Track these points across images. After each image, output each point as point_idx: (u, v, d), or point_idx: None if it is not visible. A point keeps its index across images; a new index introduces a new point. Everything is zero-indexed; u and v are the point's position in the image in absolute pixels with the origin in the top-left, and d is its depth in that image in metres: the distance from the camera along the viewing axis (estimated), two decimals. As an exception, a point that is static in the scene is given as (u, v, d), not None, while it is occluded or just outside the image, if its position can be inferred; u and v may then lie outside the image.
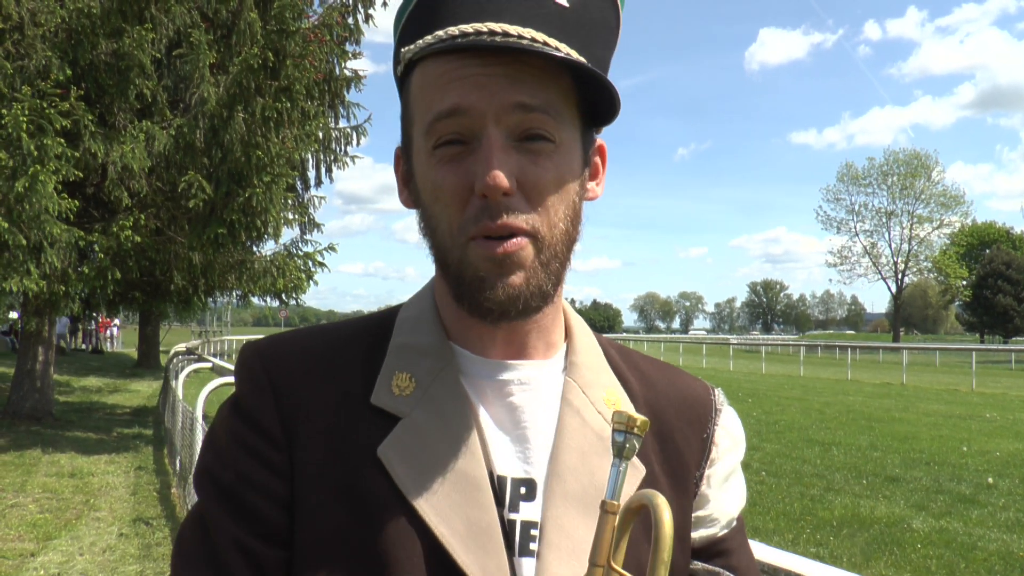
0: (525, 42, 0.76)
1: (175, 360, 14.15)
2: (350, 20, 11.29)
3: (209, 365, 12.71)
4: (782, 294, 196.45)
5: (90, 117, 9.25)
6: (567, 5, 0.80)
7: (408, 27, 0.84)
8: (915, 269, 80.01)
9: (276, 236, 11.18)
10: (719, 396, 0.98)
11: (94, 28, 9.15)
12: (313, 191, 13.21)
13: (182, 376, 9.91)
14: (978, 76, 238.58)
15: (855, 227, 77.84)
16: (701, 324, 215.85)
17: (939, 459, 10.60)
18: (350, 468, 0.80)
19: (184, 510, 7.19)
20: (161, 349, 28.11)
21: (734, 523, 0.94)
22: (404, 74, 0.85)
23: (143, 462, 9.75)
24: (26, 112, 8.47)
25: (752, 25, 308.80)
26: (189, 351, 18.45)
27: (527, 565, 0.80)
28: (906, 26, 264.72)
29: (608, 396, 0.89)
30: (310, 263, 11.76)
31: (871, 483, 9.05)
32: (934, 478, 9.36)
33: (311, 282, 11.64)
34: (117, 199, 9.78)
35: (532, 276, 0.79)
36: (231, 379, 6.62)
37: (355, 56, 12.08)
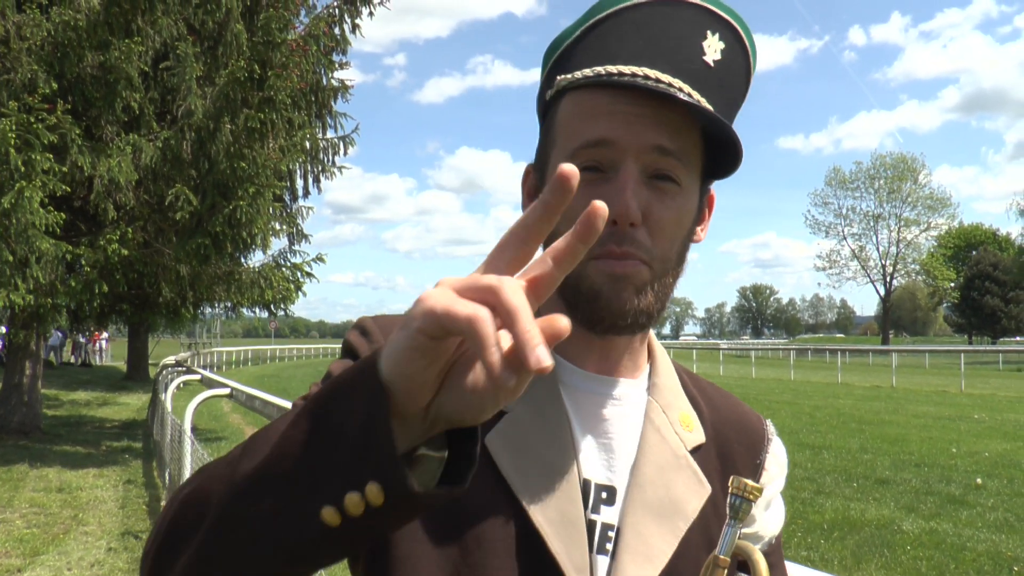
0: (674, 91, 0.84)
1: (164, 373, 14.09)
2: (336, 30, 11.30)
3: (198, 377, 12.64)
4: (772, 299, 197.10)
5: (77, 130, 9.23)
6: (712, 66, 0.89)
7: (564, 58, 0.93)
8: (903, 272, 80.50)
9: (264, 247, 11.16)
10: (770, 427, 1.07)
11: (80, 41, 9.13)
12: (301, 201, 13.21)
13: (171, 389, 9.87)
14: (962, 80, 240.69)
15: (843, 231, 78.30)
16: (691, 330, 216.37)
17: (929, 461, 10.65)
18: None
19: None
20: (150, 362, 27.96)
21: (774, 541, 1.03)
22: (552, 99, 0.94)
23: (132, 475, 9.70)
24: (13, 127, 8.45)
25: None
26: (178, 363, 18.36)
27: (602, 563, 0.88)
28: (890, 31, 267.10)
29: (683, 417, 0.98)
30: (298, 274, 11.74)
31: (861, 485, 9.09)
32: (924, 480, 9.40)
33: (299, 293, 11.62)
34: (104, 212, 9.75)
35: (643, 297, 0.89)
36: (221, 391, 6.61)
37: (342, 66, 12.10)
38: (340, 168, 12.84)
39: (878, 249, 78.01)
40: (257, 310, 12.29)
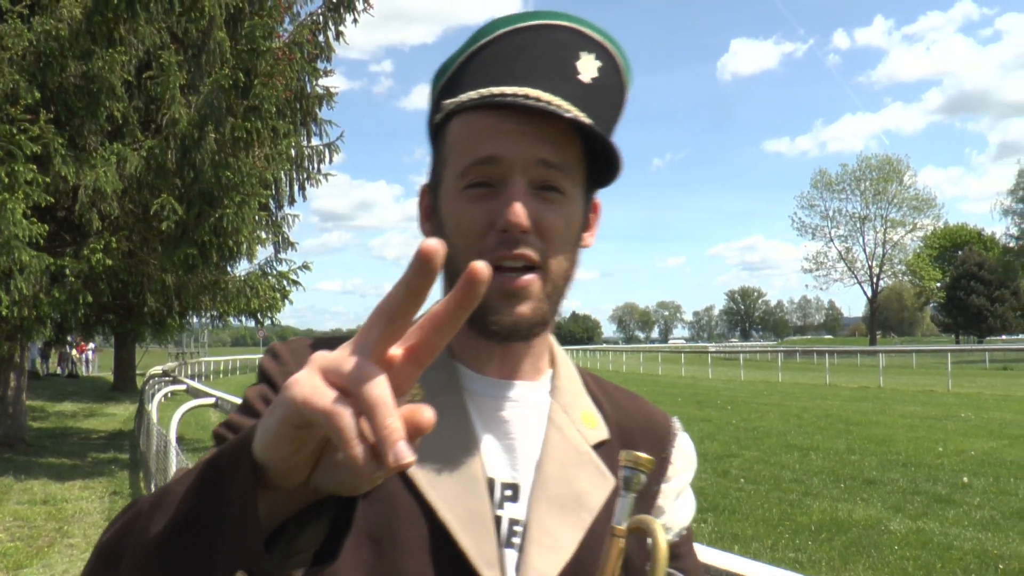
0: (553, 107, 0.91)
1: (150, 383, 14.01)
2: (321, 38, 11.29)
3: (184, 387, 12.58)
4: (760, 301, 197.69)
5: (60, 140, 9.18)
6: (589, 83, 0.96)
7: (450, 83, 0.99)
8: (890, 272, 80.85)
9: (249, 256, 11.12)
10: (676, 423, 1.12)
11: (63, 50, 9.08)
12: (287, 209, 13.14)
13: (156, 399, 9.82)
14: (945, 82, 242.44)
15: (830, 233, 78.60)
16: (680, 333, 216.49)
17: (915, 460, 10.70)
18: None
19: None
20: (138, 372, 27.80)
21: (684, 532, 1.07)
22: (441, 123, 0.99)
23: (118, 487, 9.64)
24: (-5, 138, 8.40)
25: (724, 36, 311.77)
26: (165, 373, 18.26)
27: (511, 556, 0.92)
28: (873, 35, 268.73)
29: (585, 416, 1.03)
30: (284, 282, 11.71)
31: (849, 486, 9.12)
32: (911, 479, 9.45)
33: (286, 301, 11.58)
34: (88, 222, 9.70)
35: (537, 307, 0.94)
36: (206, 400, 6.59)
37: (327, 73, 12.07)
38: (326, 175, 12.80)
39: (864, 250, 78.42)
40: (244, 319, 12.25)
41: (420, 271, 0.53)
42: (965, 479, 9.37)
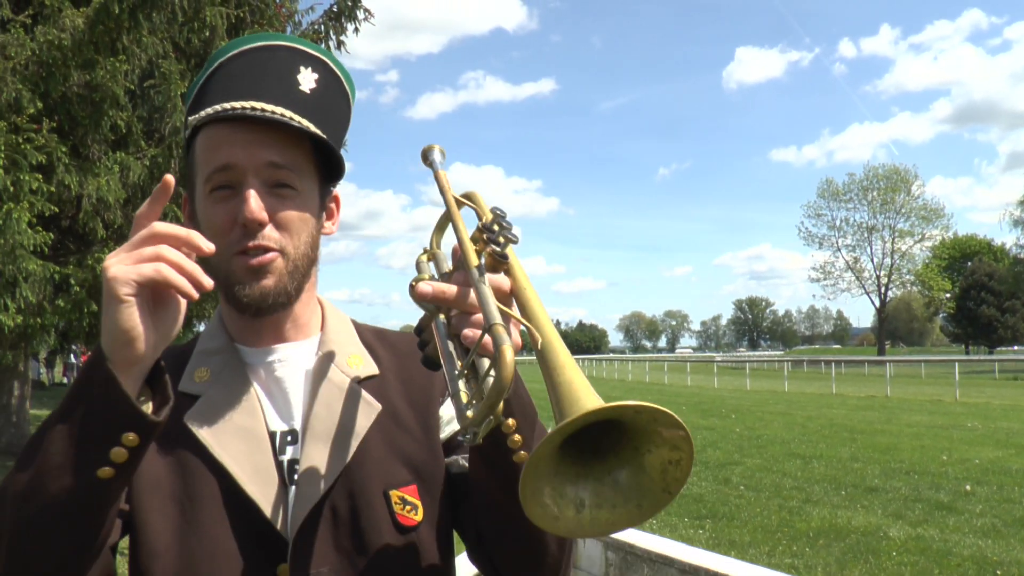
0: (276, 116, 1.07)
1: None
2: (322, 47, 11.35)
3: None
4: (768, 311, 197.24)
5: (63, 149, 9.24)
6: (308, 93, 1.13)
7: (195, 102, 1.14)
8: (898, 282, 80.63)
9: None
10: None
11: (65, 60, 9.15)
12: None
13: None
14: (953, 92, 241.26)
15: (837, 242, 78.51)
16: (687, 342, 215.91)
17: (919, 468, 10.65)
18: (168, 434, 1.07)
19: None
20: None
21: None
22: (191, 137, 1.14)
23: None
24: (2, 147, 8.47)
25: (729, 45, 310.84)
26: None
27: (292, 492, 1.09)
28: (880, 44, 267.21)
29: (352, 358, 1.20)
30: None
31: (850, 494, 9.09)
32: (913, 487, 9.41)
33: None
34: (92, 231, 9.75)
35: (279, 280, 1.10)
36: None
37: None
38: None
39: (872, 260, 78.26)
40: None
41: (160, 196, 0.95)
42: (968, 487, 9.33)
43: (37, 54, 9.02)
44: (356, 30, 11.32)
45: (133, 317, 0.87)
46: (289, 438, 1.13)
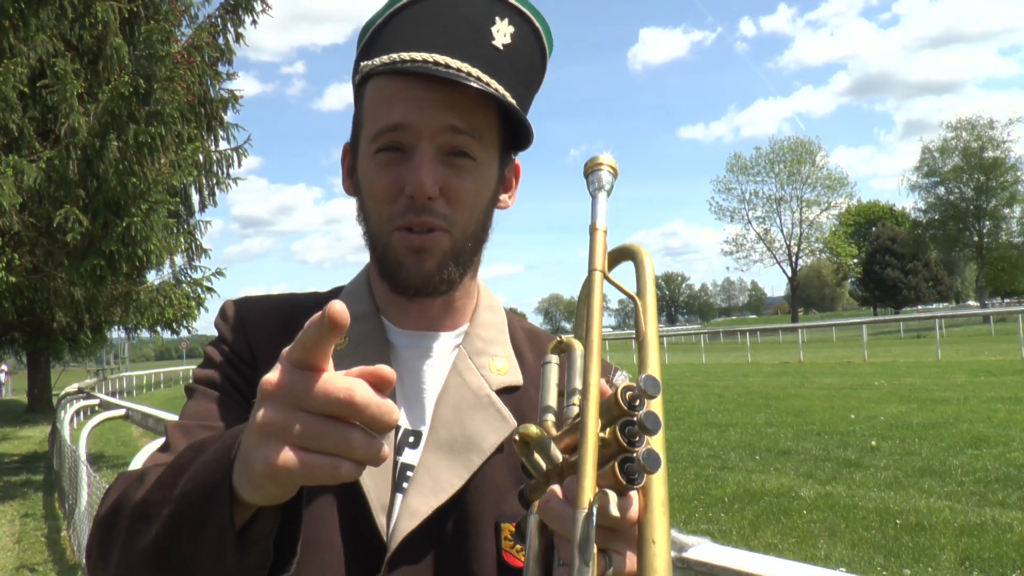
0: (462, 75, 0.93)
1: (64, 401, 13.61)
2: (220, 40, 11.12)
3: (96, 402, 12.26)
4: (684, 285, 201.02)
5: (-50, 155, 8.87)
6: (502, 49, 0.97)
7: (368, 44, 1.00)
8: (808, 251, 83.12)
9: (159, 264, 10.91)
10: (615, 368, 1.16)
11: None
12: (199, 216, 12.94)
13: (68, 415, 9.57)
14: (850, 65, 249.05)
15: (747, 215, 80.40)
16: (607, 322, 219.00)
17: (829, 428, 11.09)
18: None
19: (75, 553, 6.96)
20: (54, 392, 26.90)
21: None
22: (360, 83, 1.01)
23: (30, 509, 9.37)
24: None
25: (632, 26, 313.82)
26: (80, 390, 17.72)
27: (399, 499, 0.97)
28: (779, 21, 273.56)
29: (494, 363, 1.06)
30: (198, 289, 11.52)
31: (764, 458, 9.42)
32: (823, 447, 9.80)
33: (202, 309, 11.40)
34: (-13, 238, 9.40)
35: (444, 265, 0.98)
36: (115, 413, 6.44)
37: (230, 76, 11.91)
38: (236, 180, 12.63)
39: (782, 231, 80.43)
40: (159, 330, 12.00)
41: (326, 329, 0.62)
42: (873, 443, 9.77)
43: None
44: (254, 22, 11.15)
45: (290, 492, 0.67)
46: (411, 439, 1.01)
